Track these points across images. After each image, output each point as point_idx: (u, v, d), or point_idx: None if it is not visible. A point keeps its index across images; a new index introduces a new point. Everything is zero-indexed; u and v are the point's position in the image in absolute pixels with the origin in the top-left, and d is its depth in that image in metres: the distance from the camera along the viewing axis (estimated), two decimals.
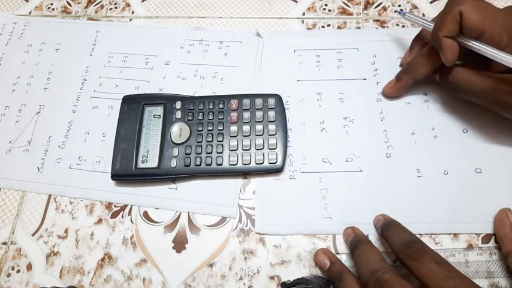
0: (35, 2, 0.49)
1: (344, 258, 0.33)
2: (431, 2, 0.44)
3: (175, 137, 0.37)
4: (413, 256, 0.27)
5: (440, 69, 0.35)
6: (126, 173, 0.36)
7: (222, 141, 0.37)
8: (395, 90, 0.38)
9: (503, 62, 0.30)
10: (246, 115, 0.38)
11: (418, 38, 0.38)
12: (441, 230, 0.34)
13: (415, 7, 0.44)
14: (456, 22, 0.31)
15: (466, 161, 0.36)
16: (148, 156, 0.37)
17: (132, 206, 0.37)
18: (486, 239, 0.33)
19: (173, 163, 0.36)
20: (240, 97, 0.38)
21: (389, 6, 0.44)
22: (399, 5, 0.44)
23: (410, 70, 0.37)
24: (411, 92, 0.39)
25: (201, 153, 0.36)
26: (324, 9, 0.45)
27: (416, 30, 0.39)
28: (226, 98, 0.39)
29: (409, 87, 0.38)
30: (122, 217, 0.36)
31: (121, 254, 0.35)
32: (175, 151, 0.37)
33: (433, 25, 0.33)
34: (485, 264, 0.32)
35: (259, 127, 0.37)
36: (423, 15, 0.44)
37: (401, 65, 0.40)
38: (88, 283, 0.34)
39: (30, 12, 0.48)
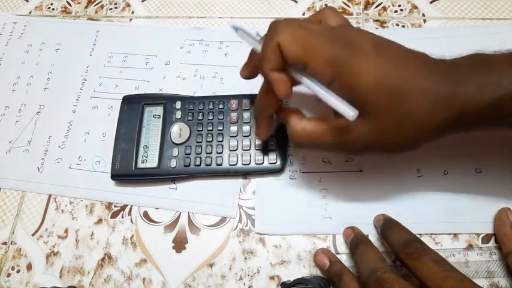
0: (35, 2, 0.49)
1: (344, 258, 0.33)
2: (431, 2, 0.44)
3: (175, 137, 0.37)
4: (413, 256, 0.27)
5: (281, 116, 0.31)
6: (126, 173, 0.36)
7: (222, 141, 0.37)
8: (264, 134, 0.34)
9: (327, 101, 0.26)
10: (246, 115, 0.38)
11: (252, 54, 0.33)
12: (441, 230, 0.34)
13: (415, 7, 0.44)
14: (277, 54, 0.27)
15: (466, 161, 0.35)
16: (148, 156, 0.37)
17: (132, 206, 0.37)
18: (486, 239, 0.33)
19: (173, 163, 0.36)
20: (240, 97, 0.38)
21: (389, 6, 0.44)
22: (399, 5, 0.44)
23: (262, 113, 0.32)
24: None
25: (200, 154, 0.36)
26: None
27: (418, 30, 0.39)
28: (226, 98, 0.39)
29: (273, 125, 0.34)
30: (122, 217, 0.36)
31: (121, 254, 0.35)
32: (175, 151, 0.37)
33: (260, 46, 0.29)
34: (485, 264, 0.32)
35: None
36: (423, 15, 0.43)
37: (242, 76, 0.34)
38: (88, 283, 0.34)
39: (30, 12, 0.48)
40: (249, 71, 0.33)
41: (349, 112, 0.25)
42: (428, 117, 0.25)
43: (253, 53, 0.32)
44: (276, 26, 0.28)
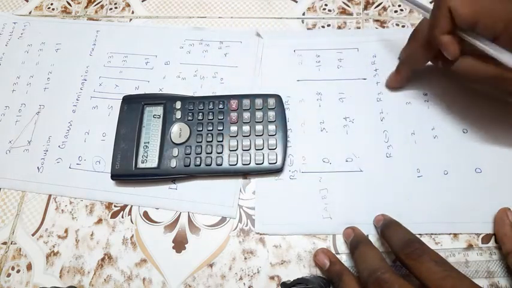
0: (35, 2, 0.49)
1: (344, 258, 0.33)
2: (431, 2, 0.44)
3: (175, 137, 0.37)
4: (413, 256, 0.27)
5: (442, 57, 0.34)
6: (126, 173, 0.36)
7: (222, 141, 0.37)
8: (396, 82, 0.38)
9: (495, 56, 0.29)
10: (246, 115, 0.38)
11: (416, 32, 0.37)
12: (441, 230, 0.34)
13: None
14: (448, 19, 0.30)
15: (466, 161, 0.36)
16: (148, 156, 0.37)
17: (132, 206, 0.37)
18: (486, 239, 0.33)
19: (173, 163, 0.36)
20: (240, 97, 0.38)
21: (389, 6, 0.44)
22: (399, 5, 0.44)
23: (409, 61, 0.37)
24: (411, 92, 0.39)
25: (200, 154, 0.36)
26: (324, 9, 0.45)
27: None
28: (226, 98, 0.39)
29: (409, 78, 0.38)
30: (122, 217, 0.36)
31: (121, 254, 0.35)
32: (175, 151, 0.37)
33: (429, 14, 0.33)
34: (485, 264, 0.32)
35: (259, 127, 0.37)
36: None
37: (399, 58, 0.40)
38: (88, 283, 0.34)
39: (30, 12, 0.48)
40: (400, 80, 0.38)
41: (510, 61, 0.29)
42: None
43: (405, 60, 0.37)
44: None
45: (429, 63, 0.36)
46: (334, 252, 0.33)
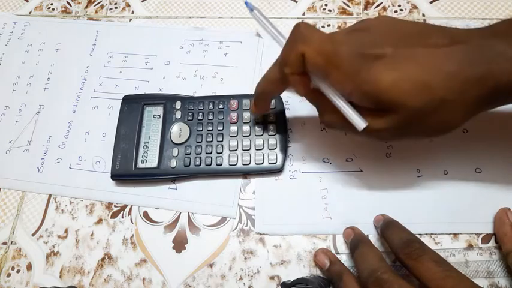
0: (35, 2, 0.49)
1: (344, 258, 0.33)
2: (431, 2, 0.44)
3: (175, 137, 0.37)
4: (413, 256, 0.27)
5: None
6: (125, 173, 0.36)
7: (222, 141, 0.37)
8: (257, 111, 0.36)
9: (341, 111, 0.28)
10: (246, 115, 0.38)
11: (269, 70, 0.33)
12: (441, 230, 0.34)
13: (415, 7, 0.44)
14: (299, 62, 0.27)
15: (466, 161, 0.35)
16: (148, 156, 0.37)
17: (132, 206, 0.37)
18: (486, 239, 0.33)
19: (173, 163, 0.36)
20: (240, 97, 0.38)
21: (389, 6, 0.44)
22: (399, 5, 0.44)
23: (264, 96, 0.34)
24: None
25: (200, 154, 0.36)
26: (324, 9, 0.45)
27: None
28: (226, 98, 0.39)
29: (269, 105, 0.36)
30: (122, 217, 0.36)
31: (121, 254, 0.35)
32: (175, 151, 0.37)
33: (280, 36, 0.31)
34: (485, 264, 0.32)
35: (259, 127, 0.37)
36: (423, 15, 0.43)
37: (254, 113, 0.37)
38: (88, 283, 0.34)
39: (30, 12, 0.48)
40: (259, 110, 0.36)
41: (358, 125, 0.27)
42: (459, 99, 0.25)
43: (259, 95, 0.34)
44: (303, 33, 0.27)
45: None
46: (334, 252, 0.33)
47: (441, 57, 0.25)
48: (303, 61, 0.27)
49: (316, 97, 0.30)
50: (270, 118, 0.37)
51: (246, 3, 0.35)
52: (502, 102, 0.27)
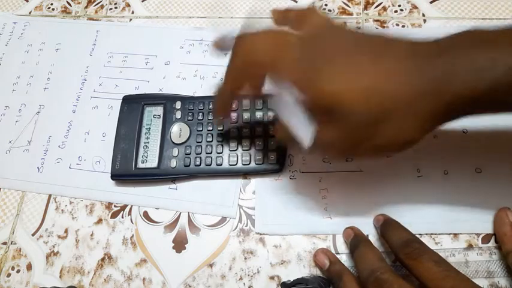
0: (35, 2, 0.49)
1: (344, 258, 0.33)
2: (431, 2, 0.44)
3: (175, 137, 0.37)
4: (413, 256, 0.27)
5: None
6: (125, 173, 0.36)
7: (222, 141, 0.37)
8: (221, 117, 0.35)
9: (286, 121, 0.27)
10: (246, 115, 0.38)
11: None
12: (441, 230, 0.34)
13: (415, 7, 0.44)
14: (245, 72, 0.28)
15: (466, 161, 0.35)
16: (148, 156, 0.37)
17: (132, 206, 0.37)
18: (486, 239, 0.33)
19: (173, 163, 0.36)
20: (239, 97, 0.38)
21: (389, 6, 0.44)
22: (399, 5, 0.44)
23: (218, 102, 0.33)
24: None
25: (200, 154, 0.36)
26: (324, 9, 0.45)
27: (418, 30, 0.38)
28: None
29: (230, 110, 0.36)
30: (122, 217, 0.36)
31: (121, 254, 0.35)
32: (175, 151, 0.37)
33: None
34: (485, 264, 0.32)
35: (259, 127, 0.37)
36: (423, 15, 0.43)
37: (216, 116, 0.37)
38: (88, 283, 0.34)
39: (30, 12, 0.48)
40: (226, 113, 0.34)
41: (303, 143, 0.26)
42: (409, 111, 0.24)
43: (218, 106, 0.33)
44: (245, 41, 0.27)
45: None
46: (334, 252, 0.33)
47: (394, 68, 0.24)
48: (246, 72, 0.27)
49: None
50: (270, 118, 0.37)
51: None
52: (460, 116, 0.25)
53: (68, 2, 0.49)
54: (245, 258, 0.34)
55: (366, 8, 0.45)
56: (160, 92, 0.41)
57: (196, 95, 0.40)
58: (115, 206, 0.37)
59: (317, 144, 0.26)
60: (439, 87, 0.23)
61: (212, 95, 0.32)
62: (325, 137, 0.26)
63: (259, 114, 0.37)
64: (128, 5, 0.47)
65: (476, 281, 0.26)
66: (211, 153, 0.36)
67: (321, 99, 0.24)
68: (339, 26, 0.27)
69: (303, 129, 0.26)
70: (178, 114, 0.38)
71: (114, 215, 0.37)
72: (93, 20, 0.47)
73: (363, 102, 0.24)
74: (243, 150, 0.36)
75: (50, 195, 0.38)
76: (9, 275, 0.35)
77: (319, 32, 0.27)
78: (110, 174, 0.37)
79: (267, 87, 0.28)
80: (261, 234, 0.35)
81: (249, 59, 0.27)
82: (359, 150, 0.26)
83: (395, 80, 0.24)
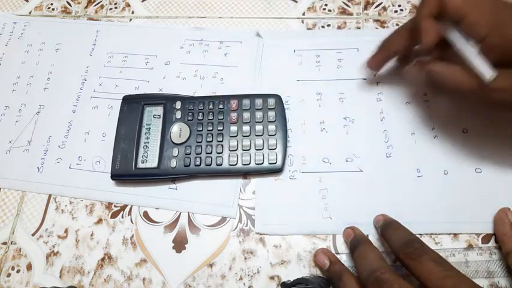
0: (35, 2, 0.49)
1: (344, 258, 0.33)
2: None
3: (175, 137, 0.37)
4: (413, 256, 0.27)
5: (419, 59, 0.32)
6: (125, 173, 0.36)
7: (222, 141, 0.37)
8: (374, 65, 0.37)
9: (468, 58, 0.27)
10: (246, 115, 0.38)
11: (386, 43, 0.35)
12: (441, 230, 0.34)
13: (415, 7, 0.44)
14: (437, 1, 0.28)
15: (466, 161, 0.36)
16: (148, 156, 0.37)
17: (132, 206, 0.37)
18: (486, 239, 0.33)
19: (173, 163, 0.36)
20: (240, 97, 0.38)
21: (389, 6, 0.44)
22: (399, 5, 0.44)
23: (388, 48, 0.35)
24: (411, 92, 0.39)
25: (200, 154, 0.36)
26: (324, 9, 0.45)
27: None
28: (226, 98, 0.39)
29: (384, 62, 0.36)
30: (122, 217, 0.36)
31: (121, 254, 0.35)
32: (175, 151, 0.37)
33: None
34: (485, 264, 0.32)
35: (259, 127, 0.37)
36: None
37: (370, 67, 0.38)
38: (88, 283, 0.34)
39: (30, 12, 0.48)
40: (379, 62, 0.35)
41: (486, 74, 0.26)
42: None
43: (384, 42, 0.34)
44: None
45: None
46: (334, 252, 0.33)
47: None
48: (440, 2, 0.27)
49: (439, 50, 0.30)
50: (270, 118, 0.37)
51: None
52: None
53: (68, 2, 0.49)
54: (245, 258, 0.34)
55: (366, 8, 0.45)
56: (160, 92, 0.41)
57: (196, 95, 0.40)
58: (115, 206, 0.37)
59: (489, 89, 0.26)
60: None
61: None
62: (501, 83, 0.26)
63: (259, 114, 0.38)
64: (128, 5, 0.47)
65: (476, 281, 0.26)
66: (211, 153, 0.36)
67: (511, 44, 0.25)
68: None
69: (481, 62, 0.26)
70: (178, 114, 0.38)
71: (114, 215, 0.37)
72: (93, 20, 0.47)
73: None
74: (243, 150, 0.36)
75: (50, 195, 0.38)
76: (9, 275, 0.35)
77: None
78: (110, 174, 0.37)
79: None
80: (261, 234, 0.35)
81: (440, 2, 0.28)
82: None
83: None
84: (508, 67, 0.25)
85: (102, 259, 0.35)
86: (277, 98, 0.38)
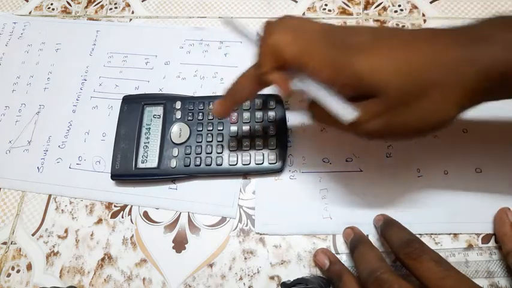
0: (35, 2, 0.49)
1: (344, 258, 0.33)
2: (431, 2, 0.44)
3: (175, 137, 0.37)
4: (413, 255, 0.27)
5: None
6: (125, 173, 0.36)
7: (222, 141, 0.37)
8: (221, 112, 0.32)
9: (325, 103, 0.26)
10: (246, 115, 0.38)
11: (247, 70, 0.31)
12: (441, 230, 0.34)
13: (415, 7, 0.44)
14: (273, 56, 0.26)
15: (466, 161, 0.35)
16: (148, 156, 0.37)
17: (132, 206, 0.37)
18: (486, 239, 0.33)
19: (173, 163, 0.36)
20: None
21: (389, 6, 0.44)
22: (399, 5, 0.44)
23: (235, 97, 0.31)
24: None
25: (200, 154, 0.36)
26: (324, 9, 0.45)
27: None
28: None
29: (233, 109, 0.35)
30: (122, 217, 0.36)
31: (121, 254, 0.35)
32: (175, 151, 0.37)
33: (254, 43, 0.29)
34: (485, 264, 0.32)
35: (259, 127, 0.37)
36: (423, 15, 0.43)
37: (217, 114, 0.33)
38: (88, 283, 0.34)
39: (30, 12, 0.48)
40: (225, 109, 0.32)
41: (347, 116, 0.25)
42: (451, 86, 0.23)
43: (230, 92, 0.31)
44: (271, 26, 0.27)
45: None
46: (334, 252, 0.33)
47: (425, 42, 0.24)
48: (278, 54, 0.26)
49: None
50: (270, 118, 0.37)
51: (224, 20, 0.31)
52: (494, 96, 0.25)
53: (68, 2, 0.49)
54: (245, 258, 0.34)
55: (366, 8, 0.45)
56: (160, 92, 0.41)
57: (196, 95, 0.40)
58: (115, 206, 0.37)
59: (354, 126, 0.26)
60: (472, 59, 0.23)
61: (221, 94, 0.32)
62: (362, 117, 0.25)
63: (259, 114, 0.38)
64: (128, 5, 0.47)
65: (476, 281, 0.26)
66: (211, 153, 0.36)
67: (355, 78, 0.24)
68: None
69: (338, 105, 0.25)
70: (178, 114, 0.38)
71: (114, 215, 0.37)
72: (93, 20, 0.47)
73: (399, 77, 0.23)
74: (243, 150, 0.36)
75: (50, 195, 0.38)
76: (9, 275, 0.35)
77: (338, 26, 0.27)
78: (110, 174, 0.37)
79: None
80: (261, 234, 0.35)
81: (276, 57, 0.26)
82: (396, 130, 0.26)
83: (428, 56, 0.24)
84: (365, 98, 0.25)
85: (102, 259, 0.35)
86: (277, 98, 0.38)
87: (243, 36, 0.30)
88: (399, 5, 0.44)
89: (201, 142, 0.37)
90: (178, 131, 0.37)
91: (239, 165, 0.36)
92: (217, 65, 0.42)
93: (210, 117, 0.38)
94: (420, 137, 0.26)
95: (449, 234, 0.34)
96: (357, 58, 0.24)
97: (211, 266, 0.34)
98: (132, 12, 0.47)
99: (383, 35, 0.25)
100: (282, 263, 0.34)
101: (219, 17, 0.46)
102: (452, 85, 0.23)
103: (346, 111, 0.25)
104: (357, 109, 0.25)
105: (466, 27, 0.24)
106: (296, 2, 0.46)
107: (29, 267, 0.35)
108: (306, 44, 0.26)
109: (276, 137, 0.37)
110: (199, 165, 0.36)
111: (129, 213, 0.36)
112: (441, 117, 0.24)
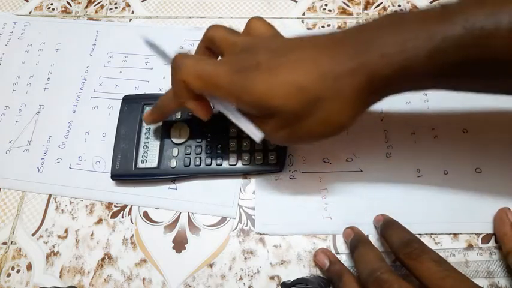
0: (35, 2, 0.49)
1: (344, 258, 0.33)
2: (431, 2, 0.44)
3: (175, 137, 0.37)
4: (412, 255, 0.27)
5: None
6: (125, 173, 0.36)
7: (222, 141, 0.37)
8: (151, 121, 0.36)
9: (237, 125, 0.29)
10: None
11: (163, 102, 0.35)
12: (441, 230, 0.34)
13: (415, 7, 0.44)
14: (185, 90, 0.29)
15: (466, 161, 0.36)
16: (148, 156, 0.37)
17: (132, 206, 0.37)
18: (486, 239, 0.33)
19: (173, 163, 0.36)
20: None
21: (389, 6, 0.44)
22: (399, 5, 0.44)
23: (162, 110, 0.35)
24: (411, 92, 0.39)
25: (200, 154, 0.36)
26: (324, 9, 0.45)
27: None
28: None
29: (161, 120, 0.37)
30: (122, 217, 0.36)
31: (121, 254, 0.35)
32: (175, 151, 0.37)
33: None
34: (485, 264, 0.32)
35: None
36: None
37: (147, 122, 0.37)
38: (88, 283, 0.34)
39: (30, 12, 0.48)
40: (155, 119, 0.36)
41: (257, 136, 0.28)
42: (335, 96, 0.25)
43: (158, 106, 0.35)
44: (177, 63, 0.29)
45: None
46: (334, 252, 0.33)
47: (313, 59, 0.26)
48: (187, 87, 0.29)
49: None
50: None
51: (145, 40, 0.34)
52: (387, 93, 0.27)
53: (68, 2, 0.49)
54: (245, 258, 0.34)
55: (366, 8, 0.45)
56: (160, 92, 0.41)
57: None
58: (115, 206, 0.37)
59: (266, 136, 0.29)
60: (356, 67, 0.25)
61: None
62: (266, 131, 0.28)
63: None
64: (128, 5, 0.47)
65: (476, 281, 0.26)
66: (211, 153, 0.36)
67: (255, 103, 0.26)
68: (271, 36, 0.29)
69: (248, 126, 0.29)
70: (178, 114, 0.38)
71: (114, 215, 0.37)
72: (93, 20, 0.47)
73: (291, 97, 0.26)
74: (243, 150, 0.36)
75: (50, 195, 0.38)
76: (9, 275, 0.35)
77: (247, 44, 0.29)
78: (110, 174, 0.37)
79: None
80: (261, 234, 0.35)
81: (188, 90, 0.29)
82: (299, 139, 0.29)
83: (318, 70, 0.25)
84: (268, 116, 0.27)
85: (102, 259, 0.35)
86: None
87: (163, 58, 0.33)
88: (399, 5, 0.44)
89: (201, 142, 0.37)
90: (178, 131, 0.37)
91: (239, 165, 0.36)
92: None
93: None
94: (330, 138, 0.28)
95: (449, 234, 0.34)
96: (253, 81, 0.26)
97: (211, 266, 0.34)
98: (132, 12, 0.47)
99: (282, 51, 0.27)
100: (282, 263, 0.34)
101: (219, 17, 0.46)
102: (333, 98, 0.25)
103: (255, 132, 0.28)
104: (260, 131, 0.28)
105: (359, 29, 0.26)
106: (296, 2, 0.46)
107: (29, 267, 0.35)
108: (209, 76, 0.28)
109: None
110: (199, 165, 0.36)
111: (129, 213, 0.36)
112: (336, 123, 0.27)
